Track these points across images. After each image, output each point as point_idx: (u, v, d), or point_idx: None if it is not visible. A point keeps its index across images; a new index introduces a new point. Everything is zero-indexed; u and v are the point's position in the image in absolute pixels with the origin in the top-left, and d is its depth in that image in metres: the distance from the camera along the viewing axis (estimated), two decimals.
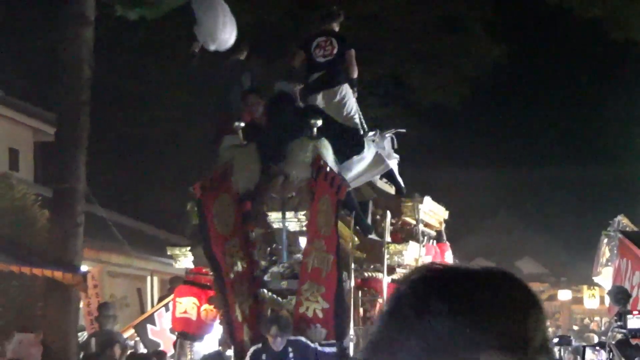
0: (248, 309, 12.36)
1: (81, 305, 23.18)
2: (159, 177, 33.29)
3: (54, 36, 22.66)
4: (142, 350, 20.44)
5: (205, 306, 13.70)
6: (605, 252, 20.83)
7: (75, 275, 19.63)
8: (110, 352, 17.96)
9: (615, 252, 18.22)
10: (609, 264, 20.32)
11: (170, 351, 15.55)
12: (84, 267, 22.19)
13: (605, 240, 20.46)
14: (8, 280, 19.10)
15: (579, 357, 15.93)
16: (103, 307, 21.58)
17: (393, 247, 12.56)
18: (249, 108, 13.93)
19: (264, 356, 11.48)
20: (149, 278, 28.83)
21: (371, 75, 31.09)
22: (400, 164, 14.64)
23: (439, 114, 43.38)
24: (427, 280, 1.90)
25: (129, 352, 19.80)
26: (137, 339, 21.60)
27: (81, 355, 20.47)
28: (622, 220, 20.06)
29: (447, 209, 15.22)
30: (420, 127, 39.46)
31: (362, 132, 13.84)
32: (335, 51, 13.79)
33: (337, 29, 14.47)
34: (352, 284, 12.38)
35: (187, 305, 13.67)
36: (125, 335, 21.61)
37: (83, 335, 22.89)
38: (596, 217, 25.32)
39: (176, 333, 14.68)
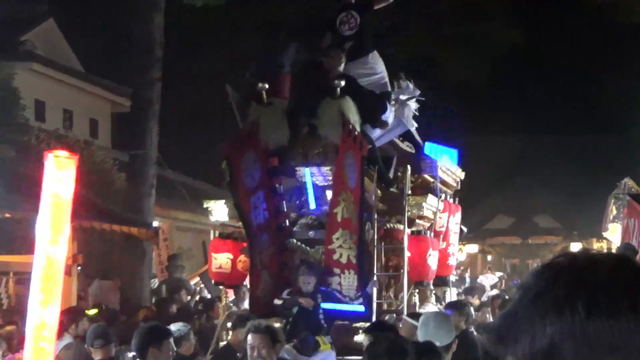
0: (269, 258, 12.18)
1: (153, 256, 23.50)
2: (220, 143, 33.16)
3: (130, 20, 22.81)
4: (207, 295, 20.63)
5: (241, 257, 13.41)
6: (612, 210, 20.74)
7: (148, 230, 19.87)
8: (179, 297, 18.14)
9: (622, 210, 18.13)
10: (616, 221, 20.24)
11: (231, 297, 15.47)
12: (155, 223, 22.51)
13: (613, 200, 20.38)
14: (90, 235, 19.27)
15: None
16: (172, 257, 22.08)
17: (413, 200, 12.42)
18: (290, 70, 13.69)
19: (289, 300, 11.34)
20: (212, 232, 28.88)
21: (406, 55, 31.14)
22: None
23: (465, 89, 43.52)
24: (584, 271, 1.79)
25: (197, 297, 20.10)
26: (202, 285, 21.81)
27: (153, 300, 20.72)
28: (629, 183, 19.99)
29: (474, 171, 15.12)
30: (448, 100, 39.97)
31: (389, 95, 13.42)
32: (358, 22, 13.45)
33: (353, 1, 14.01)
34: (375, 234, 12.10)
35: (222, 260, 13.44)
36: (192, 282, 21.87)
37: (154, 282, 23.25)
38: (606, 178, 25.11)
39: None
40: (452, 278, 19.17)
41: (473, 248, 51.00)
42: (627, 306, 1.71)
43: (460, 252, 45.93)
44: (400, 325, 9.95)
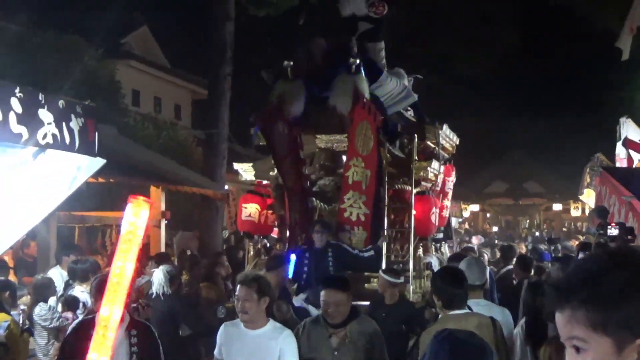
0: (298, 215, 11.61)
1: (224, 212, 23.69)
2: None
3: (207, 27, 22.93)
4: (267, 243, 20.77)
5: (265, 212, 12.98)
6: (587, 178, 20.58)
7: (220, 193, 20.07)
8: (242, 245, 18.12)
9: (594, 179, 17.96)
10: (590, 187, 20.11)
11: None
12: (226, 187, 22.57)
13: (588, 171, 20.22)
14: (176, 196, 19.36)
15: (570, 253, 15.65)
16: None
17: (419, 164, 11.90)
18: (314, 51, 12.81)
19: (307, 254, 10.74)
20: None
21: (425, 52, 31.03)
22: (439, 114, 14.27)
23: (472, 80, 43.76)
24: None
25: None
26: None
27: (224, 247, 20.85)
28: (600, 157, 19.77)
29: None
30: (458, 89, 40.01)
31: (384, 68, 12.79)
32: (384, 12, 12.81)
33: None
34: (386, 194, 11.66)
35: (251, 209, 12.90)
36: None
37: (225, 233, 23.39)
38: (582, 152, 24.87)
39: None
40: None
41: (475, 207, 51.46)
42: None
43: (465, 211, 46.55)
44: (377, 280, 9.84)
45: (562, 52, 44.92)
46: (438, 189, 13.33)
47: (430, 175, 12.27)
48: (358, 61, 11.60)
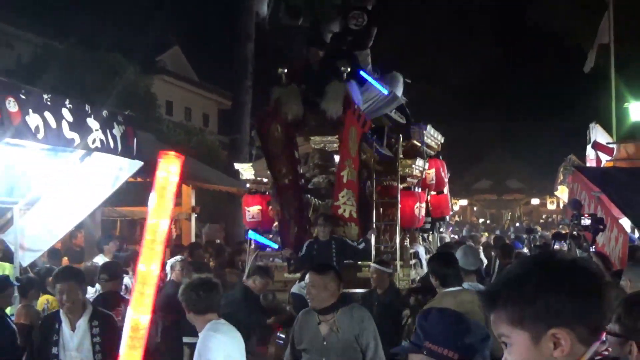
0: (293, 210, 11.08)
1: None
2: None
3: (231, 46, 22.98)
4: None
5: (268, 209, 12.38)
6: (560, 176, 20.59)
7: (243, 190, 20.04)
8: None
9: (567, 177, 17.92)
10: (563, 184, 20.12)
11: None
12: (247, 185, 22.61)
13: (562, 170, 20.21)
14: (204, 193, 19.38)
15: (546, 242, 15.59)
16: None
17: (404, 162, 11.43)
18: (310, 57, 12.39)
19: (315, 246, 10.38)
20: None
21: (418, 63, 31.03)
22: (430, 117, 13.99)
23: (459, 88, 43.95)
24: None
25: None
26: None
27: None
28: (572, 158, 19.76)
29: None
30: (447, 97, 40.08)
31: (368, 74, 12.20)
32: (364, 24, 12.41)
33: (370, 7, 12.84)
34: (374, 190, 11.23)
35: (254, 211, 12.44)
36: None
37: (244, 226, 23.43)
38: (557, 154, 24.77)
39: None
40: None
41: (464, 202, 52.31)
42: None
43: (455, 205, 46.58)
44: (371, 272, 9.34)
45: (539, 65, 45.06)
46: (432, 182, 12.91)
47: (415, 172, 11.82)
48: (349, 69, 11.31)
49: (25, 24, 25.04)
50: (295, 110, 11.28)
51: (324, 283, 5.93)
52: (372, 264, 9.37)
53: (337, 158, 11.19)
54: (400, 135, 11.63)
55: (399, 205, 11.18)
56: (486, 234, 26.95)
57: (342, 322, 5.99)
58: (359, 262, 10.63)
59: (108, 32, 25.62)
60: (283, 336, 8.47)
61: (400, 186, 11.31)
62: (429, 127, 12.96)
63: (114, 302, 7.65)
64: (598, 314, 2.00)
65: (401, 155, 11.40)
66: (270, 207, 12.26)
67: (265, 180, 12.50)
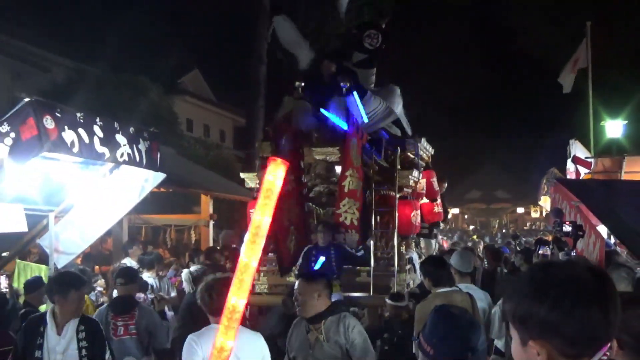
0: (295, 217, 10.39)
1: None
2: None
3: (246, 69, 23.12)
4: None
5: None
6: (544, 187, 20.53)
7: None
8: None
9: (550, 188, 17.90)
10: (546, 194, 20.09)
11: None
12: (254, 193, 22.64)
13: (545, 182, 20.18)
14: (221, 202, 19.38)
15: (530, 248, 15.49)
16: None
17: (401, 173, 10.92)
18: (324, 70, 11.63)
19: (314, 251, 9.89)
20: None
21: (417, 85, 31.07)
22: (427, 134, 13.65)
23: (452, 109, 44.06)
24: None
25: None
26: None
27: None
28: (554, 170, 19.73)
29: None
30: (441, 115, 40.10)
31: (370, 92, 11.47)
32: (378, 44, 11.87)
33: (383, 25, 12.26)
34: (373, 199, 10.68)
35: None
36: None
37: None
38: (540, 167, 24.76)
39: None
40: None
41: (456, 211, 52.45)
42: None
43: (448, 214, 46.68)
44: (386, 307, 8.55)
45: (524, 87, 45.34)
46: (424, 192, 12.49)
47: (411, 182, 11.36)
48: (349, 84, 10.79)
49: (60, 49, 25.12)
50: (307, 122, 10.90)
51: (312, 291, 5.54)
52: (387, 300, 8.56)
53: (338, 169, 10.84)
54: (398, 147, 11.29)
55: (397, 214, 10.78)
56: (475, 237, 27.02)
57: (329, 331, 5.55)
58: (358, 268, 10.32)
59: (134, 56, 25.72)
60: None
61: (398, 195, 10.89)
62: (423, 140, 12.56)
63: (129, 305, 7.31)
64: (581, 328, 1.81)
65: (399, 167, 11.03)
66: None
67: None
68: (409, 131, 12.30)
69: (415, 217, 11.26)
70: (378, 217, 10.76)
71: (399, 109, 11.73)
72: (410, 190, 11.56)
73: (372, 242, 10.29)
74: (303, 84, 11.30)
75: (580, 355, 1.84)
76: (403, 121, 12.20)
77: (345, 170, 10.33)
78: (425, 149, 12.96)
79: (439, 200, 13.28)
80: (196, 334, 4.90)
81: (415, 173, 11.33)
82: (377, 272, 10.08)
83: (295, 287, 5.79)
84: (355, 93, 10.82)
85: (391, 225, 10.70)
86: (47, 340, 5.59)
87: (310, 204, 11.00)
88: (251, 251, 0.87)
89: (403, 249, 11.44)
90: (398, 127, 12.13)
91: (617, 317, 1.83)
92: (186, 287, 9.81)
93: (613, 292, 1.86)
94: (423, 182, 12.19)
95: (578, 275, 1.85)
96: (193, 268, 9.28)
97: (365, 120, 10.82)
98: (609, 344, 1.86)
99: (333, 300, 9.05)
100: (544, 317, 1.82)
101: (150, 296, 10.16)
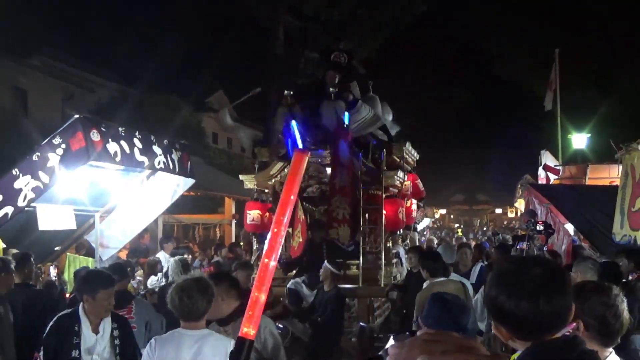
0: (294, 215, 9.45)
1: None
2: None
3: (265, 89, 23.10)
4: None
5: (266, 214, 10.85)
6: (519, 191, 20.55)
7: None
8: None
9: (524, 192, 17.86)
10: (520, 197, 20.09)
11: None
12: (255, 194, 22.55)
13: (519, 186, 20.17)
14: (242, 204, 19.33)
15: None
16: None
17: (387, 174, 10.35)
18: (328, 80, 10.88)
19: (307, 247, 9.48)
20: None
21: (407, 104, 30.71)
22: (424, 155, 13.11)
23: (440, 125, 43.54)
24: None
25: None
26: None
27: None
28: (528, 177, 19.73)
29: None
30: (430, 130, 39.69)
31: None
32: (344, 60, 11.18)
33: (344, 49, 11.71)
34: (361, 198, 10.02)
35: (254, 215, 10.99)
36: None
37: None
38: (516, 173, 24.74)
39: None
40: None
41: (443, 211, 52.88)
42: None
43: (436, 213, 46.55)
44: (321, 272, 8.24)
45: (501, 105, 45.21)
46: (409, 193, 11.83)
47: (397, 182, 10.82)
48: (337, 90, 10.33)
49: (104, 73, 25.23)
50: (286, 130, 9.98)
51: (218, 292, 4.52)
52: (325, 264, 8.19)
53: (328, 170, 10.23)
54: (384, 151, 10.68)
55: (384, 212, 10.25)
56: (459, 233, 27.01)
57: (234, 336, 4.50)
58: (348, 261, 9.82)
59: (168, 79, 25.78)
60: (281, 326, 7.77)
61: (384, 195, 10.39)
62: (408, 144, 11.94)
63: (125, 300, 6.72)
64: (528, 317, 1.81)
65: (385, 168, 10.47)
66: (271, 212, 10.96)
67: (266, 190, 11.36)
68: (392, 133, 11.74)
69: (402, 214, 10.67)
70: (367, 215, 10.32)
71: (379, 112, 11.26)
72: (396, 191, 11.06)
73: (361, 238, 9.85)
74: (292, 93, 10.74)
75: (528, 338, 1.86)
76: (387, 124, 11.67)
77: (335, 169, 9.87)
78: (411, 153, 12.43)
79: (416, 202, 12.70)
80: (160, 338, 4.07)
81: (400, 174, 10.88)
82: (366, 265, 9.64)
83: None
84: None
85: (379, 222, 10.21)
86: (83, 340, 4.68)
87: (305, 203, 10.40)
88: (271, 251, 0.85)
89: (390, 244, 11.04)
90: (385, 133, 11.48)
91: (564, 306, 1.85)
92: (172, 276, 9.05)
93: (560, 284, 1.88)
94: (408, 183, 11.69)
95: (530, 270, 1.87)
96: (178, 257, 8.52)
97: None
98: (561, 328, 1.86)
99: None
100: (501, 305, 1.85)
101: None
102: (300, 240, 10.07)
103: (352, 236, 9.68)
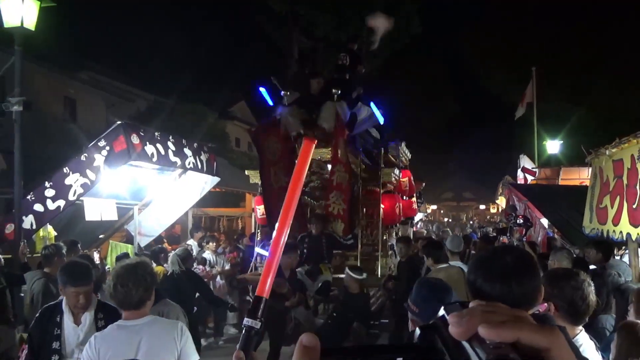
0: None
1: None
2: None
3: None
4: None
5: None
6: (500, 190, 20.48)
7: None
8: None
9: (505, 190, 17.80)
10: (501, 195, 20.04)
11: None
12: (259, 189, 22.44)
13: (501, 185, 20.09)
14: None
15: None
16: None
17: (384, 171, 9.78)
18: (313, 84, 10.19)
19: (307, 239, 8.66)
20: None
21: (402, 114, 30.54)
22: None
23: (431, 132, 43.38)
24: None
25: None
26: None
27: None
28: (507, 177, 19.63)
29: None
30: (422, 136, 39.51)
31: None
32: (347, 62, 10.52)
33: (355, 48, 11.06)
34: (360, 193, 9.52)
35: (262, 209, 10.08)
36: None
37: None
38: (497, 174, 24.66)
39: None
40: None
41: (434, 207, 52.27)
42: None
43: (428, 209, 46.47)
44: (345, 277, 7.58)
45: (484, 115, 45.10)
46: (406, 188, 11.35)
47: (393, 179, 10.27)
48: (340, 91, 9.47)
49: (142, 85, 25.27)
50: (295, 126, 9.34)
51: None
52: (346, 270, 7.59)
53: (329, 166, 9.65)
54: (382, 149, 10.09)
55: (382, 207, 9.73)
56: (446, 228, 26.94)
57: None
58: (347, 253, 9.32)
59: (197, 90, 25.82)
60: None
61: (381, 190, 9.85)
62: (403, 144, 11.46)
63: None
64: (493, 297, 1.80)
65: (382, 166, 9.90)
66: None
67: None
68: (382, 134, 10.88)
69: (399, 208, 10.24)
70: (365, 209, 9.84)
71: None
72: (392, 187, 10.53)
73: (359, 231, 9.32)
74: (289, 93, 9.84)
75: None
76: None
77: (334, 166, 9.28)
78: (404, 152, 11.95)
79: (414, 198, 12.21)
80: (100, 334, 3.28)
81: (396, 171, 10.39)
82: (364, 256, 9.17)
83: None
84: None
85: (375, 216, 9.77)
86: (64, 331, 3.95)
87: (306, 197, 9.68)
88: (284, 219, 0.84)
89: (386, 236, 10.49)
90: (380, 133, 10.67)
91: (533, 287, 1.85)
92: (171, 268, 8.99)
93: (529, 269, 1.88)
94: (405, 180, 11.22)
95: (503, 257, 1.89)
96: (177, 251, 7.84)
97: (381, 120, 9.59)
98: (532, 307, 1.87)
99: (323, 281, 8.51)
100: (479, 286, 1.87)
101: (208, 268, 10.16)
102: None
103: (346, 231, 9.03)
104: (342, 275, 7.94)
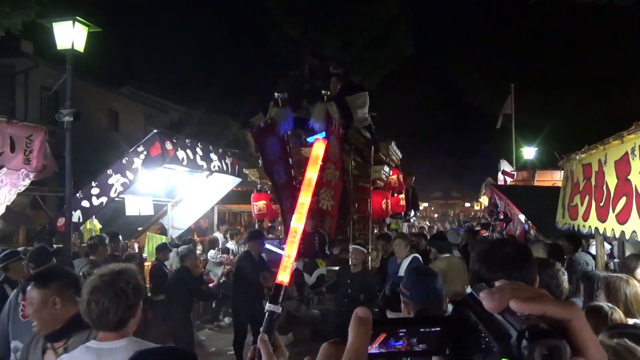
0: (289, 204, 8.11)
1: None
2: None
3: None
4: None
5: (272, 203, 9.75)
6: (483, 190, 20.35)
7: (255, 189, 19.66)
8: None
9: (487, 190, 17.69)
10: (484, 194, 19.89)
11: None
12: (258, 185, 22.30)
13: (484, 186, 19.97)
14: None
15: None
16: None
17: (374, 169, 9.15)
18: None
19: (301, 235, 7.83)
20: None
21: (395, 124, 30.36)
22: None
23: (422, 139, 43.16)
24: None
25: None
26: None
27: None
28: (489, 179, 19.52)
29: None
30: (415, 143, 39.34)
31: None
32: (339, 71, 9.94)
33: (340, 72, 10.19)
34: (351, 189, 8.94)
35: (260, 205, 9.85)
36: None
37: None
38: (480, 176, 24.52)
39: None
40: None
41: (425, 204, 51.95)
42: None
43: (420, 206, 46.24)
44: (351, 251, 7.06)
45: (468, 125, 45.06)
46: (396, 185, 10.64)
47: (383, 176, 9.52)
48: (329, 93, 8.77)
49: (175, 98, 25.34)
50: (286, 126, 8.65)
51: (43, 298, 2.57)
52: (354, 245, 7.12)
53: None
54: (372, 148, 9.44)
55: (370, 202, 9.07)
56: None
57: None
58: (338, 245, 8.59)
59: (222, 102, 25.86)
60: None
61: (372, 187, 9.22)
62: (393, 143, 10.67)
63: None
64: (496, 275, 1.78)
65: (372, 163, 9.29)
66: (272, 202, 9.83)
67: (269, 182, 9.58)
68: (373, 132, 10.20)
69: (387, 204, 9.45)
70: (356, 205, 9.21)
71: (365, 109, 9.71)
72: (382, 184, 9.78)
73: (351, 224, 8.84)
74: (281, 95, 9.06)
75: None
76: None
77: (325, 163, 8.34)
78: (395, 152, 11.16)
79: (402, 195, 11.37)
80: (66, 357, 2.24)
81: (386, 169, 9.63)
82: None
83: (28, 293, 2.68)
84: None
85: (366, 211, 9.16)
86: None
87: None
88: (300, 216, 0.80)
89: (377, 230, 9.75)
90: (370, 133, 10.00)
91: (531, 274, 1.82)
92: (174, 264, 8.07)
93: (527, 258, 1.86)
94: (395, 177, 10.51)
95: (499, 250, 1.87)
96: (180, 248, 7.32)
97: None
98: None
99: (318, 275, 8.17)
100: (482, 275, 1.84)
101: (231, 257, 10.13)
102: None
103: (335, 227, 8.22)
104: (336, 268, 7.56)
